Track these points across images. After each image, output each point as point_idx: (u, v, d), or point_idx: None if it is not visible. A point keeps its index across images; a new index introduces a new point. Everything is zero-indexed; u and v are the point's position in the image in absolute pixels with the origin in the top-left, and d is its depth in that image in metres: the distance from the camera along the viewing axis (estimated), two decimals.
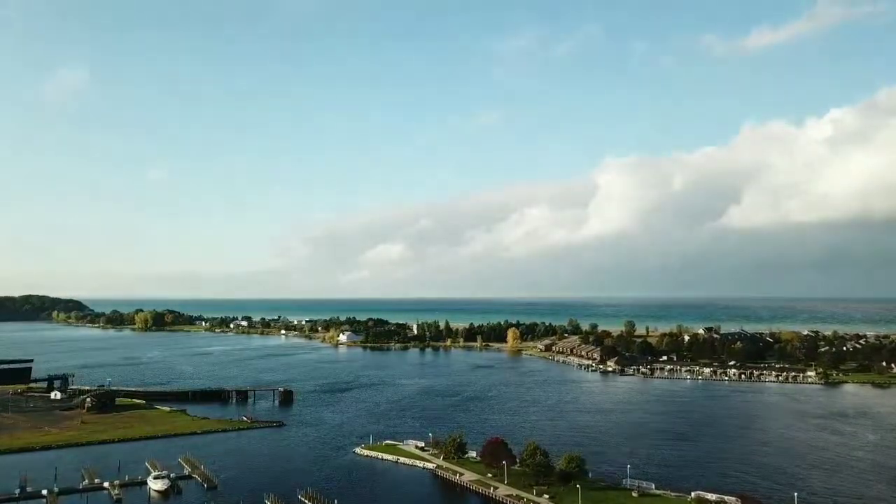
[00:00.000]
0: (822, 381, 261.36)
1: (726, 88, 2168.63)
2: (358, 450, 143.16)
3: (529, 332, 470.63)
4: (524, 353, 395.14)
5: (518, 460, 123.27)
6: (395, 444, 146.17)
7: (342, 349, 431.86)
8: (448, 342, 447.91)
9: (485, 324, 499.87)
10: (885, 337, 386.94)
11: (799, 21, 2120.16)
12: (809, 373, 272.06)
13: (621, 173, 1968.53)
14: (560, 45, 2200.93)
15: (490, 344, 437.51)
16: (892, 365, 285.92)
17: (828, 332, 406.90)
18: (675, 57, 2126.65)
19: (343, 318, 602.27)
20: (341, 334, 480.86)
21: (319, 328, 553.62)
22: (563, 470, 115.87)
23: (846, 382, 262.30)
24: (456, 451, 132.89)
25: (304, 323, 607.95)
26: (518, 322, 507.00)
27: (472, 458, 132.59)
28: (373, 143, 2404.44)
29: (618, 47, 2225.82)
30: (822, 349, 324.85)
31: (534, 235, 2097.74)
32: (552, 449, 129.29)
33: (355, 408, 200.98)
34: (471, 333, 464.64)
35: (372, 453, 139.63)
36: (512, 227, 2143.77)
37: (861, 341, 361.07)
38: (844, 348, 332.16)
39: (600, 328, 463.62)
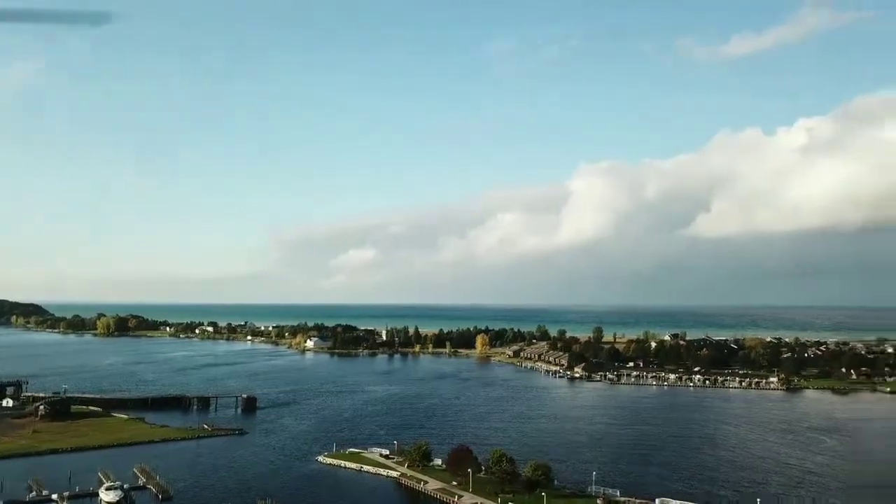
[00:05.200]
0: (784, 388, 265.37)
1: (703, 95, 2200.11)
2: (321, 458, 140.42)
3: (498, 339, 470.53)
4: (492, 359, 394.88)
5: (484, 468, 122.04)
6: (360, 452, 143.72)
7: (309, 355, 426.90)
8: (417, 348, 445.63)
9: (454, 330, 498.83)
10: (845, 344, 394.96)
11: (781, 27, 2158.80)
12: (772, 379, 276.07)
13: (595, 179, 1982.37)
14: (538, 50, 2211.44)
15: (459, 350, 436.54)
16: (852, 371, 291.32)
17: (790, 339, 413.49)
18: (651, 62, 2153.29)
19: (311, 323, 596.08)
20: (308, 340, 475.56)
21: (287, 334, 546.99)
22: (529, 477, 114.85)
23: (807, 388, 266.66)
24: (421, 459, 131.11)
25: (271, 329, 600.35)
26: (487, 328, 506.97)
27: (438, 465, 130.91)
28: (346, 146, 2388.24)
29: (594, 53, 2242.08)
30: (785, 356, 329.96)
31: (507, 241, 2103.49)
32: (518, 456, 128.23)
33: (320, 415, 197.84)
34: (440, 340, 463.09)
35: (335, 461, 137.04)
36: (486, 233, 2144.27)
37: (822, 348, 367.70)
38: (806, 355, 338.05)
39: (569, 334, 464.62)
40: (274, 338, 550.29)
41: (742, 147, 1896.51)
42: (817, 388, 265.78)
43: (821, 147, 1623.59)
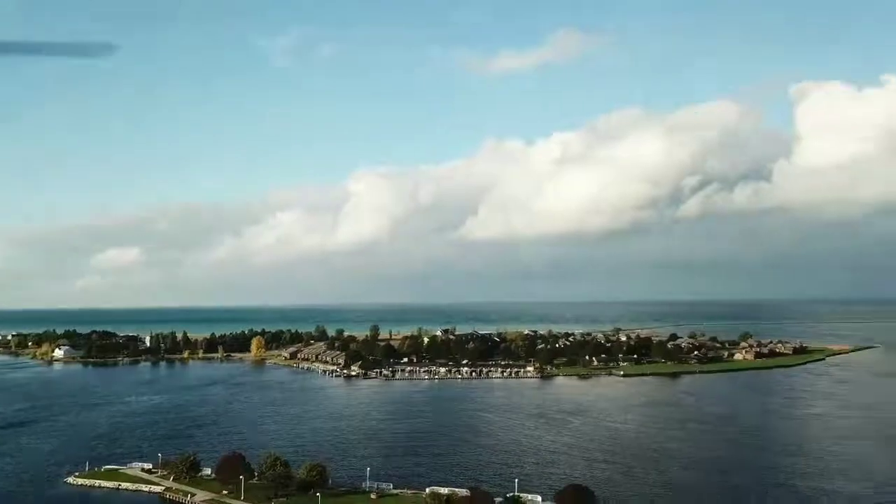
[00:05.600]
0: (539, 375, 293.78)
1: (473, 105, 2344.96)
2: (71, 479, 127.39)
3: (275, 340, 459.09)
4: (269, 362, 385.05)
5: (257, 473, 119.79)
6: (117, 469, 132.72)
7: (58, 366, 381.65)
8: (186, 354, 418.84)
9: (228, 333, 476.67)
10: (588, 334, 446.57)
11: (541, 48, 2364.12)
12: (529, 368, 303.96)
13: (373, 182, 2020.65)
14: (321, 47, 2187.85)
15: (233, 354, 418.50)
16: (594, 358, 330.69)
17: (545, 332, 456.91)
18: (428, 69, 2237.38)
19: (61, 330, 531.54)
20: (57, 349, 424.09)
21: (30, 342, 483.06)
22: (303, 479, 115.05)
23: (558, 375, 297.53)
24: (188, 471, 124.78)
25: (10, 337, 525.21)
26: (264, 330, 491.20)
27: (207, 476, 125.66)
28: (106, 137, 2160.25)
29: (373, 57, 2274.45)
30: (540, 346, 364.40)
31: (286, 241, 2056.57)
32: (293, 458, 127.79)
33: (69, 432, 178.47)
34: (212, 344, 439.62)
35: (88, 481, 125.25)
36: (264, 232, 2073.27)
37: (570, 339, 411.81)
38: (557, 345, 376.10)
39: (347, 333, 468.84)
40: (14, 348, 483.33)
41: (506, 156, 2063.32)
42: (566, 375, 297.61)
43: (572, 159, 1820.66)
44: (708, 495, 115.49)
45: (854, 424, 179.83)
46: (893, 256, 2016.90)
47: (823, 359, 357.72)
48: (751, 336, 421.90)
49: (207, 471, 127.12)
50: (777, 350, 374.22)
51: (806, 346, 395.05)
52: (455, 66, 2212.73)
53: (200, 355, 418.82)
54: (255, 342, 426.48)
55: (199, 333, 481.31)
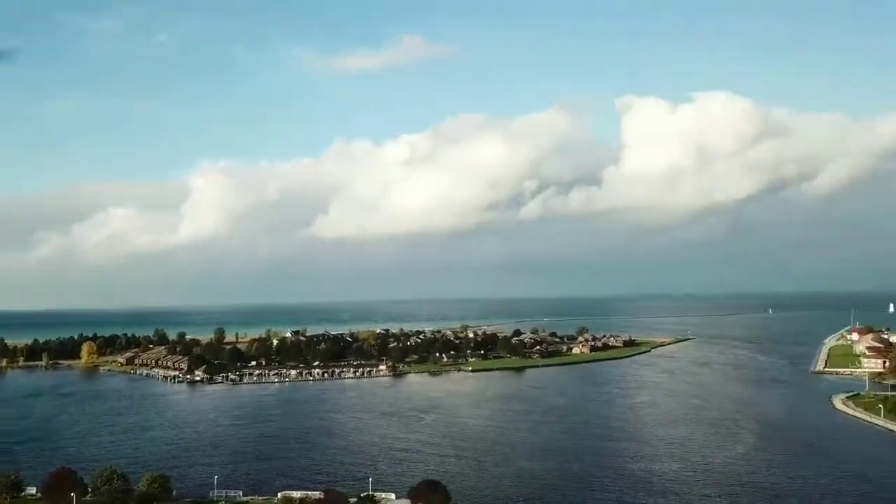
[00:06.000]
0: (392, 374, 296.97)
1: (321, 103, 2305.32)
2: None
3: (110, 346, 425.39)
4: (102, 368, 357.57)
5: (91, 489, 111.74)
6: None
7: None
8: (3, 363, 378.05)
9: (54, 339, 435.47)
10: (438, 332, 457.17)
11: (388, 50, 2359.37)
12: (381, 367, 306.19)
13: (216, 178, 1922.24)
14: (155, 34, 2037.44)
15: (60, 362, 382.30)
16: (444, 355, 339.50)
17: (396, 330, 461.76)
18: (274, 66, 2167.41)
19: None
20: None
21: None
22: (144, 492, 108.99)
23: (409, 373, 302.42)
24: (9, 491, 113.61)
25: None
26: (96, 335, 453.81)
27: (32, 496, 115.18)
28: None
29: (216, 48, 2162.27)
30: (392, 345, 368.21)
31: (119, 239, 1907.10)
32: (133, 471, 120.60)
33: None
34: (34, 351, 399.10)
35: None
36: (94, 229, 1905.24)
37: (421, 336, 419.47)
38: (409, 343, 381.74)
39: (189, 336, 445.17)
40: None
41: (355, 155, 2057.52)
42: (417, 372, 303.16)
43: (419, 161, 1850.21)
44: (552, 483, 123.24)
45: (677, 410, 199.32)
46: (699, 256, 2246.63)
47: (650, 350, 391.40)
48: (587, 331, 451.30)
49: (32, 490, 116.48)
50: (610, 343, 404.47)
51: (635, 340, 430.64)
52: (301, 64, 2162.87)
53: (21, 364, 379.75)
54: (85, 348, 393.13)
55: (18, 340, 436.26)
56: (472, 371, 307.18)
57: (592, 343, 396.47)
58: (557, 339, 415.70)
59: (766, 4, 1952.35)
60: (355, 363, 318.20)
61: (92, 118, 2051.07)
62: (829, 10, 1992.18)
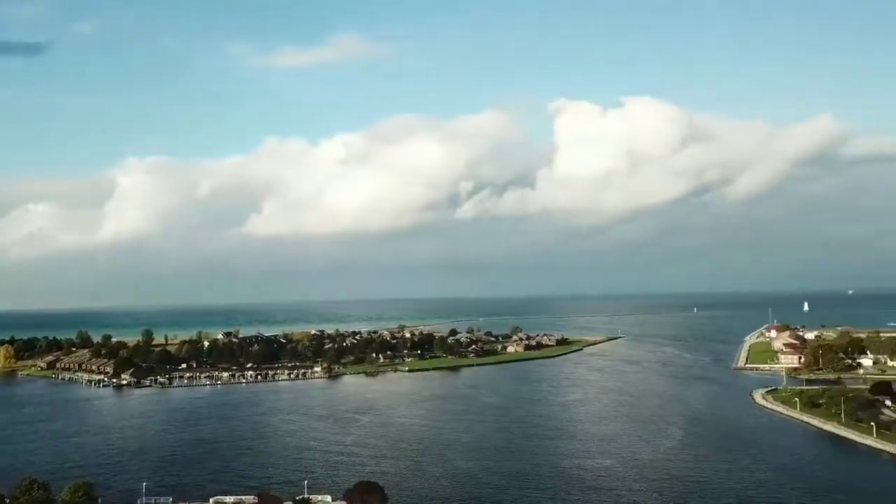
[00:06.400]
0: (327, 375, 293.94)
1: (253, 100, 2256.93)
2: None
3: (28, 349, 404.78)
4: (21, 373, 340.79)
5: (8, 500, 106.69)
6: None
7: None
8: None
9: None
10: (375, 332, 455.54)
11: (323, 47, 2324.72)
12: (317, 368, 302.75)
13: (144, 175, 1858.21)
14: (78, 23, 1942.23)
15: None
16: (380, 356, 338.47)
17: (332, 331, 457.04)
18: (206, 61, 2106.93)
19: None
20: None
21: None
22: (67, 502, 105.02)
23: (345, 374, 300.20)
24: None
25: None
26: (13, 338, 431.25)
27: None
28: None
29: (145, 40, 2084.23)
30: (327, 346, 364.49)
31: (39, 236, 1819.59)
32: (55, 480, 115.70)
33: None
34: None
35: None
36: (12, 226, 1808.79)
37: (357, 337, 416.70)
38: (345, 344, 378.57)
39: (115, 339, 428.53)
40: None
41: (290, 154, 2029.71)
42: (354, 373, 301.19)
43: (355, 160, 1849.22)
44: (488, 482, 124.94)
45: (608, 406, 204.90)
46: (630, 257, 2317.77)
47: (581, 349, 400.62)
48: (520, 330, 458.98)
49: None
50: (543, 342, 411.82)
51: (567, 339, 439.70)
52: (235, 59, 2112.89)
53: None
54: (1, 352, 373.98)
55: None
56: (409, 371, 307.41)
57: (526, 342, 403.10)
58: (492, 339, 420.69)
59: (693, 14, 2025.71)
60: (290, 365, 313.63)
61: (8, 110, 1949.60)
62: (753, 21, 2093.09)
